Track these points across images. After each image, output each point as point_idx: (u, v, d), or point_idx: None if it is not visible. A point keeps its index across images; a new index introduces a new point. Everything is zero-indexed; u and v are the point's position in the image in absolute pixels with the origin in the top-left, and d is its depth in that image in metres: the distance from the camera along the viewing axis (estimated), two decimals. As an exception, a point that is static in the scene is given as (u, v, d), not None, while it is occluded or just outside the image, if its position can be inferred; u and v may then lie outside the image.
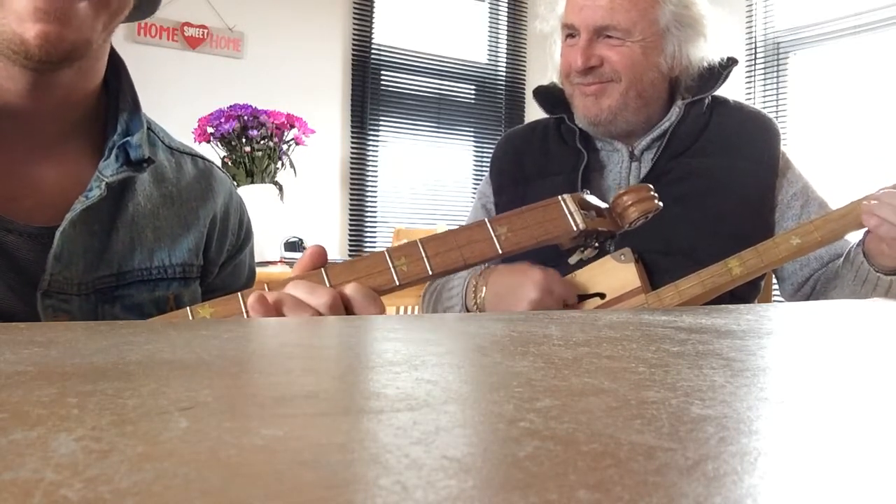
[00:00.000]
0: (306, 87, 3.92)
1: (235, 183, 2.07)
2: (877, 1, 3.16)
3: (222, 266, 0.81)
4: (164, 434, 0.19)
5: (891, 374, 0.33)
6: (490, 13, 4.62)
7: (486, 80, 4.60)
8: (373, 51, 4.20)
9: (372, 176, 4.21)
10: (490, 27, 4.63)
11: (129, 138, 0.69)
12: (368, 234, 4.20)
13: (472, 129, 4.55)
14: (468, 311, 1.04)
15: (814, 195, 1.11)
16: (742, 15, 3.60)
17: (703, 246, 1.02)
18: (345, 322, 0.50)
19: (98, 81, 0.70)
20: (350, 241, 4.13)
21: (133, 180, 0.71)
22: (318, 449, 0.18)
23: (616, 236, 0.69)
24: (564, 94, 1.15)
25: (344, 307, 0.57)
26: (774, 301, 1.33)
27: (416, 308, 2.31)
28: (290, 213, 2.55)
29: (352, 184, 4.14)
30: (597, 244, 0.67)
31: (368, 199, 4.20)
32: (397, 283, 0.59)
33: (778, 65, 3.56)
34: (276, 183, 2.35)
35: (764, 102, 3.55)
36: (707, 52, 1.12)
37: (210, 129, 2.32)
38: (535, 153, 1.18)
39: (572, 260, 0.70)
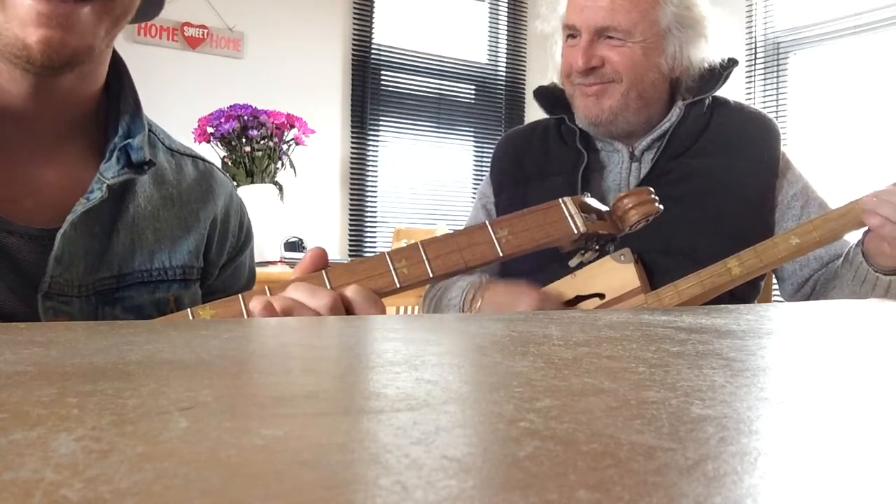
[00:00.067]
0: (306, 87, 3.92)
1: (235, 183, 2.08)
2: (877, 1, 3.16)
3: (222, 268, 0.81)
4: (164, 434, 0.19)
5: (891, 374, 0.33)
6: (490, 13, 4.63)
7: (486, 80, 4.60)
8: (373, 51, 4.20)
9: (372, 176, 4.21)
10: (490, 27, 4.63)
11: (130, 140, 0.69)
12: (368, 234, 4.20)
13: (472, 129, 4.55)
14: None
15: (814, 195, 1.11)
16: (742, 15, 3.60)
17: (702, 246, 1.03)
18: (345, 322, 0.50)
19: (100, 84, 0.70)
20: (350, 241, 4.13)
21: (134, 182, 0.71)
22: (318, 449, 0.18)
23: (616, 239, 0.69)
24: (565, 94, 1.15)
25: (345, 309, 0.57)
26: (774, 301, 1.33)
27: (417, 308, 2.31)
28: (290, 213, 2.55)
29: (352, 184, 4.14)
30: (597, 247, 0.67)
31: (368, 199, 4.20)
32: (398, 286, 0.59)
33: (778, 65, 3.56)
34: (276, 183, 2.35)
35: (764, 102, 3.55)
36: (708, 52, 1.12)
37: (210, 129, 2.32)
38: (535, 153, 1.18)
39: (572, 263, 0.70)
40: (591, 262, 0.70)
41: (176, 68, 3.60)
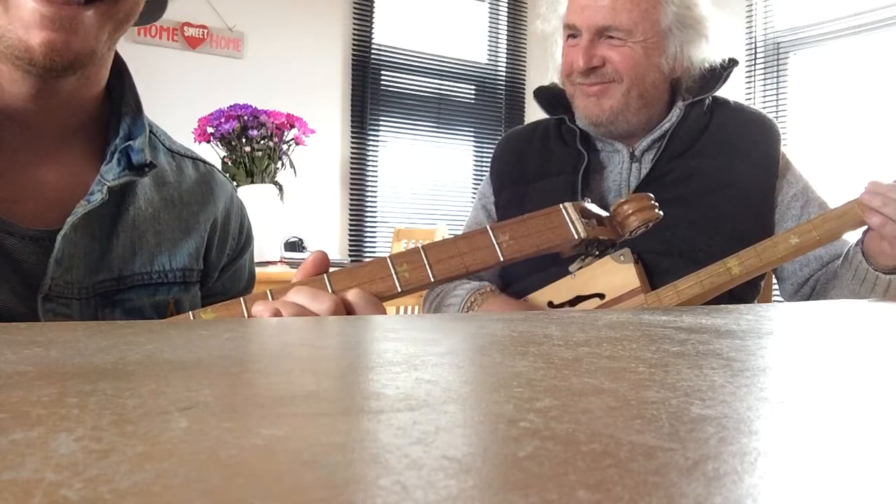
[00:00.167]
0: (306, 87, 3.92)
1: (235, 183, 2.08)
2: (877, 1, 3.16)
3: (222, 270, 0.80)
4: (164, 434, 0.19)
5: (891, 374, 0.33)
6: (490, 13, 4.63)
7: (486, 80, 4.60)
8: (373, 51, 4.20)
9: (372, 176, 4.21)
10: (490, 27, 4.63)
11: (131, 142, 0.69)
12: (368, 235, 4.20)
13: (472, 129, 4.55)
14: None
15: (814, 196, 1.11)
16: (742, 15, 3.60)
17: (702, 246, 1.03)
18: (345, 322, 0.50)
19: (101, 87, 0.70)
20: (350, 241, 4.13)
21: (134, 184, 0.71)
22: (318, 449, 0.18)
23: (616, 245, 0.69)
24: (565, 94, 1.15)
25: (346, 313, 0.57)
26: (774, 301, 1.33)
27: (417, 308, 2.31)
28: (290, 213, 2.55)
29: (352, 184, 4.15)
30: (597, 252, 0.67)
31: (368, 199, 4.20)
32: (399, 290, 0.59)
33: (778, 65, 3.56)
34: (276, 183, 2.35)
35: (764, 102, 3.55)
36: (708, 53, 1.12)
37: (210, 129, 2.32)
38: (535, 154, 1.18)
39: (573, 268, 0.70)
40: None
41: (176, 68, 3.60)
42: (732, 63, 1.15)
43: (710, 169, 1.09)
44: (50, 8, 0.57)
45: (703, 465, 0.17)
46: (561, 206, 0.62)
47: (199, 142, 2.31)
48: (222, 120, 2.28)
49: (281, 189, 2.34)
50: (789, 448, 0.19)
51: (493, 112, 4.61)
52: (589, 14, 1.07)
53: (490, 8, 4.62)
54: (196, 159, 0.80)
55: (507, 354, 0.34)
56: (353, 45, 4.15)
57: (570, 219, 0.61)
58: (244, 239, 0.84)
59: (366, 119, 4.17)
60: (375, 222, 4.23)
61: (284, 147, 2.38)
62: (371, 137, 4.20)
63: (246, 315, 0.57)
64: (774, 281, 1.19)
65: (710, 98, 1.15)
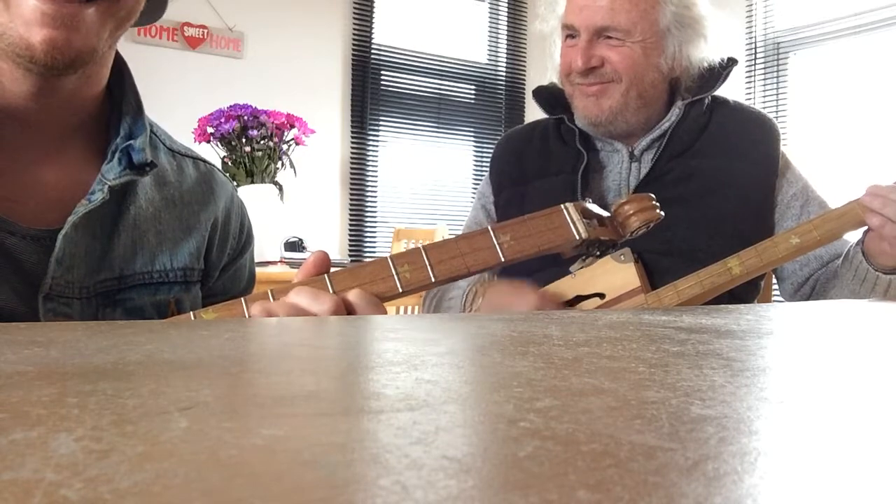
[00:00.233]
0: (306, 87, 3.92)
1: (235, 183, 2.08)
2: (877, 1, 3.16)
3: (223, 270, 0.80)
4: (164, 434, 0.19)
5: (891, 374, 0.33)
6: (490, 13, 4.63)
7: (486, 80, 4.60)
8: (373, 51, 4.20)
9: (372, 176, 4.21)
10: (490, 27, 4.63)
11: (131, 142, 0.69)
12: (368, 235, 4.20)
13: (472, 129, 4.55)
14: None
15: (813, 195, 1.11)
16: (742, 15, 3.60)
17: (702, 246, 1.03)
18: (345, 322, 0.50)
19: (102, 86, 0.70)
20: (350, 241, 4.13)
21: (135, 183, 0.71)
22: (318, 449, 0.18)
23: (618, 245, 0.69)
24: (564, 94, 1.15)
25: (347, 313, 0.57)
26: (774, 301, 1.33)
27: (417, 308, 2.31)
28: (290, 213, 2.56)
29: (352, 184, 4.15)
30: (598, 253, 0.67)
31: (368, 199, 4.20)
32: (400, 290, 0.59)
33: (778, 65, 3.56)
34: (276, 183, 2.35)
35: (764, 102, 3.55)
36: (707, 52, 1.12)
37: (210, 129, 2.32)
38: (534, 153, 1.18)
39: (574, 268, 0.70)
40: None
41: (176, 68, 3.60)
42: (732, 62, 1.15)
43: (710, 168, 1.09)
44: (51, 6, 0.57)
45: (703, 465, 0.17)
46: (562, 206, 0.62)
47: (199, 142, 2.31)
48: (222, 120, 2.29)
49: (281, 189, 2.34)
50: (789, 448, 0.19)
51: (493, 112, 4.61)
52: (587, 14, 1.07)
53: (490, 8, 4.62)
54: (196, 159, 0.80)
55: (507, 354, 0.34)
56: (353, 45, 4.15)
57: (572, 219, 0.61)
58: (244, 238, 0.84)
59: (366, 119, 4.17)
60: (375, 222, 4.23)
61: (284, 147, 2.38)
62: (371, 137, 4.20)
63: (247, 315, 0.58)
64: (774, 281, 1.19)
65: (710, 97, 1.15)
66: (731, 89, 1.26)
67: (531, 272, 1.05)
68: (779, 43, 3.56)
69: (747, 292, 1.09)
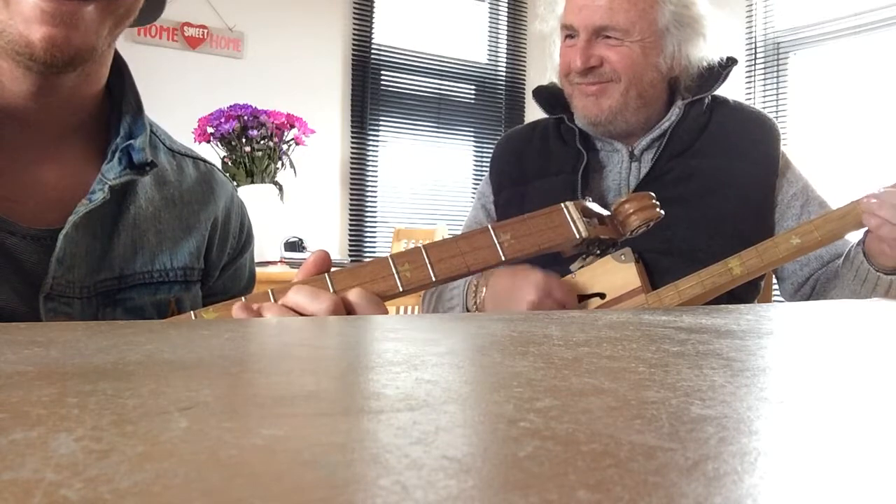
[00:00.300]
0: (306, 87, 3.92)
1: (235, 183, 2.08)
2: (877, 1, 3.16)
3: (223, 269, 0.81)
4: (164, 434, 0.19)
5: (891, 374, 0.33)
6: (490, 13, 4.63)
7: (486, 80, 4.60)
8: (373, 51, 4.20)
9: (372, 176, 4.21)
10: (490, 27, 4.63)
11: (131, 141, 0.69)
12: (368, 235, 4.20)
13: (472, 129, 4.55)
14: (468, 311, 1.04)
15: (814, 195, 1.11)
16: (742, 15, 3.60)
17: (703, 246, 1.03)
18: (345, 322, 0.50)
19: (101, 85, 0.70)
20: (350, 241, 4.13)
21: (135, 183, 0.71)
22: (318, 449, 0.18)
23: (618, 244, 0.69)
24: (564, 94, 1.15)
25: (347, 312, 0.57)
26: (774, 301, 1.33)
27: (417, 308, 2.31)
28: (290, 213, 2.56)
29: (352, 184, 4.15)
30: (598, 252, 0.67)
31: (368, 199, 4.20)
32: (401, 289, 0.59)
33: (778, 65, 3.56)
34: (276, 183, 2.35)
35: (764, 102, 3.55)
36: (706, 52, 1.12)
37: (210, 129, 2.32)
38: (534, 153, 1.18)
39: (574, 267, 0.70)
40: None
41: (176, 68, 3.60)
42: (731, 62, 1.15)
43: (710, 168, 1.09)
44: (50, 3, 0.57)
45: (703, 465, 0.17)
46: (562, 205, 0.62)
47: (199, 142, 2.31)
48: (222, 120, 2.28)
49: (281, 189, 2.34)
50: (789, 448, 0.19)
51: (493, 112, 4.62)
52: (586, 14, 1.07)
53: (490, 8, 4.62)
54: (196, 158, 0.80)
55: (507, 354, 0.34)
56: (353, 45, 4.15)
57: (572, 218, 0.61)
58: (244, 238, 0.84)
59: (366, 119, 4.17)
60: (375, 222, 4.23)
61: (284, 147, 2.38)
62: (371, 137, 4.20)
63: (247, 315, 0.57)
64: (774, 281, 1.19)
65: (710, 97, 1.15)
66: (731, 89, 1.26)
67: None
68: (779, 43, 3.56)
69: (747, 292, 1.09)
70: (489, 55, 4.62)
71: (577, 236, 0.61)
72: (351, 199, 4.14)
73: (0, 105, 0.63)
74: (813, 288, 1.10)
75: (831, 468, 0.18)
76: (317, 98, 3.96)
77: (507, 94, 4.64)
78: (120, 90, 0.72)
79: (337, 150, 4.09)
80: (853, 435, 0.21)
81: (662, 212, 0.67)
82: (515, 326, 0.45)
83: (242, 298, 0.58)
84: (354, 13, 4.15)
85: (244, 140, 2.28)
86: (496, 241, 0.60)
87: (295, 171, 2.46)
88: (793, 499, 0.15)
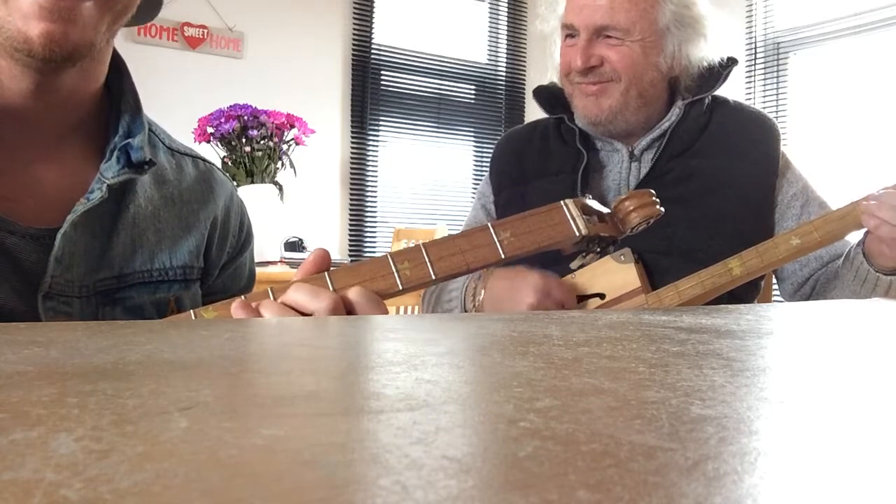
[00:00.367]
0: (306, 87, 3.92)
1: (235, 183, 2.08)
2: (877, 1, 3.16)
3: (222, 268, 0.81)
4: (164, 434, 0.19)
5: (891, 374, 0.33)
6: (490, 13, 4.63)
7: (486, 80, 4.60)
8: (373, 51, 4.20)
9: (372, 176, 4.21)
10: (490, 27, 4.63)
11: (130, 140, 0.69)
12: (368, 234, 4.20)
13: (472, 129, 4.55)
14: (466, 312, 1.04)
15: (814, 195, 1.11)
16: (742, 15, 3.60)
17: (702, 246, 1.03)
18: (345, 322, 0.50)
19: (100, 83, 0.71)
20: (350, 241, 4.13)
21: (134, 182, 0.71)
22: (318, 449, 0.18)
23: (618, 242, 0.69)
24: (564, 93, 1.16)
25: (347, 311, 0.57)
26: (774, 301, 1.33)
27: (417, 308, 2.31)
28: (290, 213, 2.55)
29: (352, 184, 4.14)
30: (598, 249, 0.67)
31: (368, 199, 4.20)
32: (400, 288, 0.59)
33: (778, 65, 3.56)
34: (276, 183, 2.35)
35: (764, 102, 3.55)
36: (707, 52, 1.12)
37: (210, 129, 2.32)
38: (534, 153, 1.18)
39: (574, 265, 0.70)
40: (591, 263, 0.70)
41: (176, 68, 3.60)
42: (731, 62, 1.15)
43: (710, 168, 1.09)
44: None
45: (703, 465, 0.17)
46: (562, 202, 0.62)
47: (199, 142, 2.31)
48: (222, 120, 2.28)
49: (281, 189, 2.34)
50: (789, 448, 0.19)
51: (493, 112, 4.61)
52: (587, 13, 1.07)
53: (490, 8, 4.62)
54: (196, 157, 0.80)
55: (507, 354, 0.34)
56: (353, 45, 4.15)
57: (571, 215, 0.61)
58: (244, 237, 0.84)
59: (366, 119, 4.17)
60: (375, 222, 4.23)
61: (284, 147, 2.38)
62: (371, 137, 4.20)
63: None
64: (774, 281, 1.19)
65: (710, 97, 1.15)
66: (731, 89, 1.26)
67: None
68: (779, 43, 3.56)
69: (747, 292, 1.09)
70: (489, 55, 4.62)
71: (577, 234, 0.61)
72: (351, 199, 4.14)
73: None
74: (813, 288, 1.10)
75: (831, 468, 0.18)
76: (317, 98, 3.96)
77: (507, 94, 4.64)
78: (119, 89, 0.72)
79: (337, 150, 4.09)
80: (853, 435, 0.21)
81: (662, 209, 0.67)
82: (515, 326, 0.45)
83: (242, 298, 0.58)
84: (354, 13, 4.15)
85: (244, 140, 2.28)
86: (496, 239, 0.60)
87: (295, 171, 2.46)
88: (793, 499, 0.15)
